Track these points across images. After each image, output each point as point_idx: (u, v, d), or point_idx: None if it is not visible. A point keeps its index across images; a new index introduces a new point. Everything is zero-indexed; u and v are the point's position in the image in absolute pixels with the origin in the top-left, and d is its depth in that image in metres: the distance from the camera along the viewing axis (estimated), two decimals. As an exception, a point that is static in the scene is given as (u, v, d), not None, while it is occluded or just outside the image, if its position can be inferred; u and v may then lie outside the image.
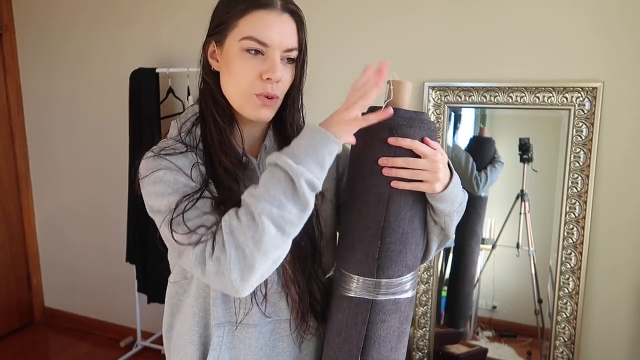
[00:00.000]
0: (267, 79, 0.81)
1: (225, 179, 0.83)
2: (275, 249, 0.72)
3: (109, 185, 2.64)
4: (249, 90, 0.82)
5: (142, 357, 2.58)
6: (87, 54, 2.58)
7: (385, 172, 0.80)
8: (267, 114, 0.85)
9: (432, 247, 0.92)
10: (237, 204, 0.76)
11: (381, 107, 0.82)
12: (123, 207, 2.41)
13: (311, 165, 0.73)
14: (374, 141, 0.82)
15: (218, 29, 0.84)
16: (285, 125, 0.91)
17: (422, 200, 0.85)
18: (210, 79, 0.87)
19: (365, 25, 1.99)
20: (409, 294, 0.87)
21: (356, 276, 0.84)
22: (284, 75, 0.83)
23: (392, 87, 0.83)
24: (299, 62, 0.85)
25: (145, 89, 2.26)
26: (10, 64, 2.73)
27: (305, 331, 0.91)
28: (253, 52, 0.80)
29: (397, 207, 0.82)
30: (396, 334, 0.86)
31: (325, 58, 2.05)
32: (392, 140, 0.80)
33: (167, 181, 0.79)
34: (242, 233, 0.71)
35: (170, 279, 0.94)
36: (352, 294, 0.84)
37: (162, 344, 2.56)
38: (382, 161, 0.80)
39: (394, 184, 0.80)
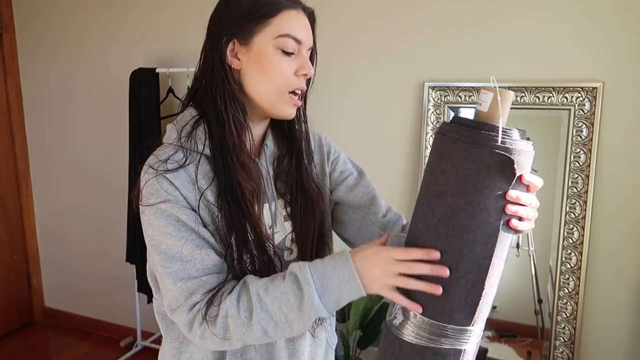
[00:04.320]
0: (303, 75, 0.84)
1: (244, 179, 0.83)
2: (254, 343, 0.78)
3: (109, 185, 2.64)
4: (285, 87, 0.83)
5: (142, 357, 2.58)
6: (87, 54, 2.58)
7: (510, 209, 0.67)
8: (294, 111, 0.87)
9: None
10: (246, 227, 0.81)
11: (469, 120, 0.70)
12: (123, 207, 2.41)
13: (331, 306, 0.74)
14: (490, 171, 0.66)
15: (241, 26, 0.82)
16: (283, 121, 0.93)
17: (513, 237, 0.74)
18: (231, 78, 0.84)
19: (366, 25, 1.99)
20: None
21: (449, 325, 0.72)
22: None
23: (497, 97, 0.67)
24: (313, 59, 0.89)
25: (145, 89, 2.26)
26: (10, 64, 2.73)
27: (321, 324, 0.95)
28: (287, 52, 0.82)
29: (501, 247, 0.70)
30: None
31: (327, 56, 2.05)
32: (526, 180, 0.67)
33: (168, 216, 0.79)
34: (234, 324, 0.75)
35: (159, 297, 0.91)
36: (442, 346, 0.72)
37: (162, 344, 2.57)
38: (512, 196, 0.66)
39: (514, 223, 0.68)
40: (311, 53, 0.88)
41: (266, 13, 0.81)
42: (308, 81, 0.89)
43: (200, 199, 0.81)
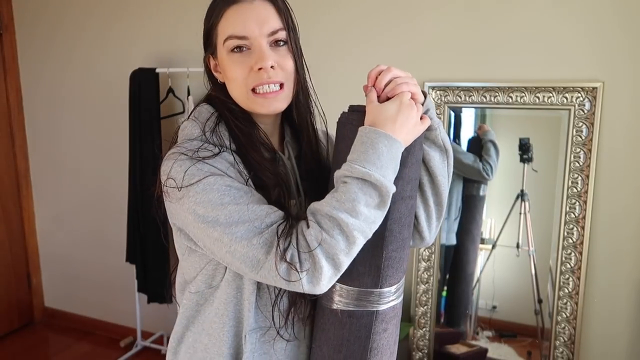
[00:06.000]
0: (259, 69, 0.80)
1: (266, 177, 0.83)
2: (356, 252, 0.74)
3: (109, 185, 2.64)
4: (245, 87, 0.82)
5: (142, 357, 2.58)
6: (87, 53, 2.58)
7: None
8: (277, 104, 0.83)
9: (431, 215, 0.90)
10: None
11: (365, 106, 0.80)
12: (123, 207, 2.41)
13: (392, 177, 0.75)
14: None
15: (208, 42, 0.86)
16: (292, 112, 0.90)
17: (414, 203, 0.84)
18: (219, 92, 0.87)
19: (366, 26, 1.99)
20: (402, 296, 0.86)
21: (357, 289, 0.80)
22: (280, 60, 0.81)
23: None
24: (291, 42, 0.83)
25: (145, 89, 2.26)
26: (10, 64, 2.73)
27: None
28: (237, 49, 0.80)
29: (398, 214, 0.80)
30: (393, 338, 0.85)
31: (327, 57, 2.05)
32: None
33: (219, 189, 0.75)
34: (332, 246, 0.71)
35: (191, 289, 0.88)
36: (352, 308, 0.81)
37: (162, 344, 2.56)
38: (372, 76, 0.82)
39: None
40: (288, 36, 0.82)
41: (214, 22, 0.83)
42: (298, 72, 0.85)
43: (248, 180, 0.80)
